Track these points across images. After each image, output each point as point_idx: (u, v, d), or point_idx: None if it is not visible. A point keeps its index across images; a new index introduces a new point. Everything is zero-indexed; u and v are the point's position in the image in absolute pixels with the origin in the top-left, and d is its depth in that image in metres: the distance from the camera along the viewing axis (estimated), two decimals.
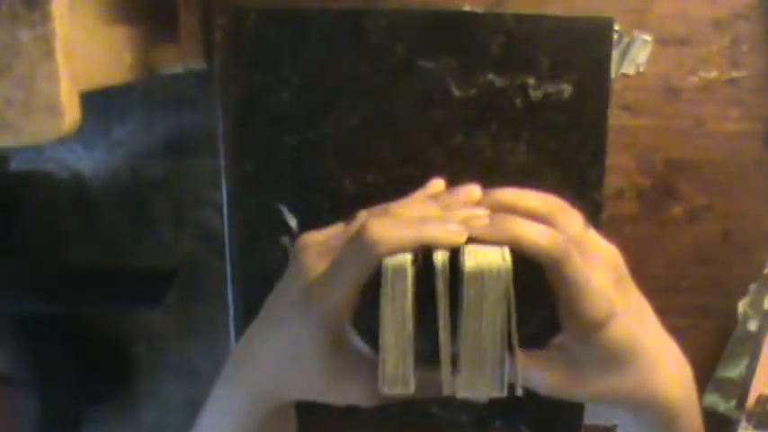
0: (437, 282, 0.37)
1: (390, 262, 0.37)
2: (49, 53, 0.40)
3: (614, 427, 0.58)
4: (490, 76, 0.53)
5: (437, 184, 0.48)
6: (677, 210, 0.56)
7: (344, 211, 0.44)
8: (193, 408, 0.47)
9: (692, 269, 0.57)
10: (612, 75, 0.54)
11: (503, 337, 0.38)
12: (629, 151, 0.55)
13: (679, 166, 0.55)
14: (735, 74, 0.54)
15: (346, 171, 0.55)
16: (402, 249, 0.38)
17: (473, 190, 0.44)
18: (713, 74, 0.54)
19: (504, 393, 0.38)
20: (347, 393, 0.42)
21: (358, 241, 0.39)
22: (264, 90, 0.54)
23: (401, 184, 0.47)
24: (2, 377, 0.96)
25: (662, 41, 0.54)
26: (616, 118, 0.54)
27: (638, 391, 0.43)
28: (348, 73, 0.54)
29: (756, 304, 0.57)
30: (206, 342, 1.12)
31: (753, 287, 0.57)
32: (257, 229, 0.56)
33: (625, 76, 0.54)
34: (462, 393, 0.39)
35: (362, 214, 0.43)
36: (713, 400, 0.57)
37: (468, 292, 0.37)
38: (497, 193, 0.43)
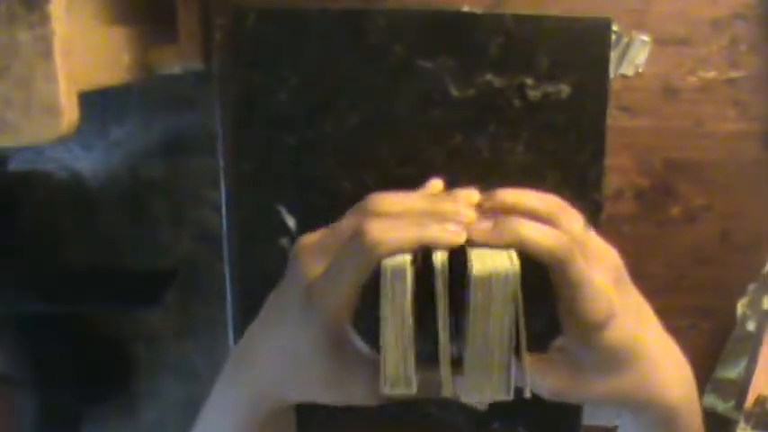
0: (436, 282, 0.37)
1: (389, 263, 0.37)
2: (47, 54, 0.40)
3: (615, 427, 0.58)
4: (489, 77, 0.53)
5: (436, 184, 0.48)
6: (676, 210, 0.56)
7: (344, 211, 0.44)
8: (193, 408, 0.47)
9: (692, 269, 0.57)
10: (611, 75, 0.54)
11: (510, 340, 0.37)
12: (628, 151, 0.55)
13: (678, 167, 0.55)
14: (733, 74, 0.54)
15: (345, 171, 0.55)
16: (401, 250, 0.38)
17: (471, 194, 0.44)
18: (712, 74, 0.54)
19: (511, 397, 0.38)
20: (347, 393, 0.42)
21: (357, 242, 0.38)
22: (264, 90, 0.54)
23: (400, 185, 0.47)
24: (2, 377, 0.96)
25: (661, 42, 0.54)
26: (615, 118, 0.54)
27: (638, 392, 0.43)
28: (347, 73, 0.54)
29: (755, 304, 0.57)
30: (205, 342, 1.12)
31: (752, 287, 0.57)
32: (256, 229, 0.56)
33: (624, 76, 0.54)
34: (469, 396, 0.39)
35: (357, 208, 0.43)
36: (712, 400, 0.57)
37: (476, 296, 0.37)
38: (498, 194, 0.43)
